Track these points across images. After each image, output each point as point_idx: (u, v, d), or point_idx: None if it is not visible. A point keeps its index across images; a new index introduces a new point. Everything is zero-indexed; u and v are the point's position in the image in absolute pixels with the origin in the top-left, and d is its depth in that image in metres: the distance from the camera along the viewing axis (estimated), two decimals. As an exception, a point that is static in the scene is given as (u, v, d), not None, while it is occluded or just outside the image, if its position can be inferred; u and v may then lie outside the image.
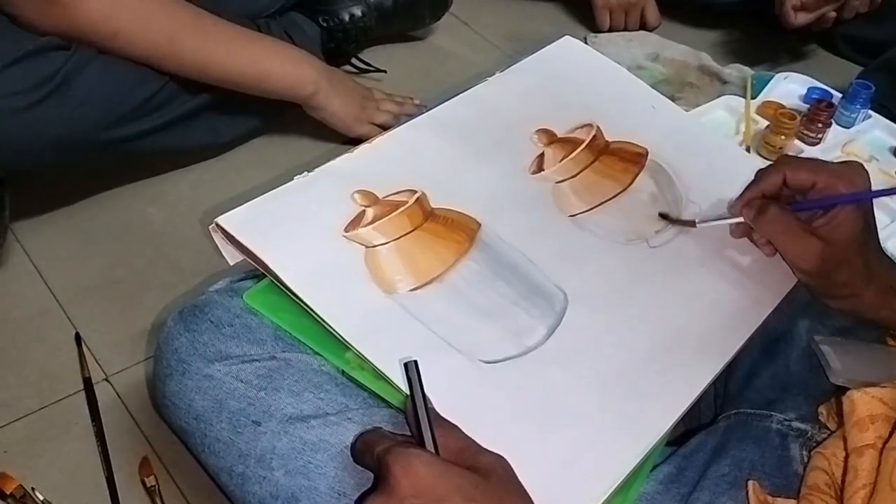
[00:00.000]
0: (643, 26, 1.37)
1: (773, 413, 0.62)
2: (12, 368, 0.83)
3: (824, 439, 0.59)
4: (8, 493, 0.71)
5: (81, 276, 0.92)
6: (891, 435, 0.53)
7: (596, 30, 1.36)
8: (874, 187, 0.60)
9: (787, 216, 0.59)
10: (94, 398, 0.80)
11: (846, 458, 0.55)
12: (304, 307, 0.60)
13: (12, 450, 0.77)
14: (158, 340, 0.65)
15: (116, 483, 0.74)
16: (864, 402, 0.55)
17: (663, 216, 0.71)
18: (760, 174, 0.62)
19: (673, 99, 1.12)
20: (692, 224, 0.68)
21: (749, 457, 0.59)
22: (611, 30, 1.35)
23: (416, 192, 0.67)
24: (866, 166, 0.60)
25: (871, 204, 0.60)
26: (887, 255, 0.62)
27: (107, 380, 0.83)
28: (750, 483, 0.56)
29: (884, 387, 0.56)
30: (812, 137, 1.04)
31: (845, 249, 0.58)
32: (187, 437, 0.63)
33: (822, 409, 0.60)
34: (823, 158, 0.79)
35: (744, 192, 0.62)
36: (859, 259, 0.58)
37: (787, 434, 0.60)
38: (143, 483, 0.74)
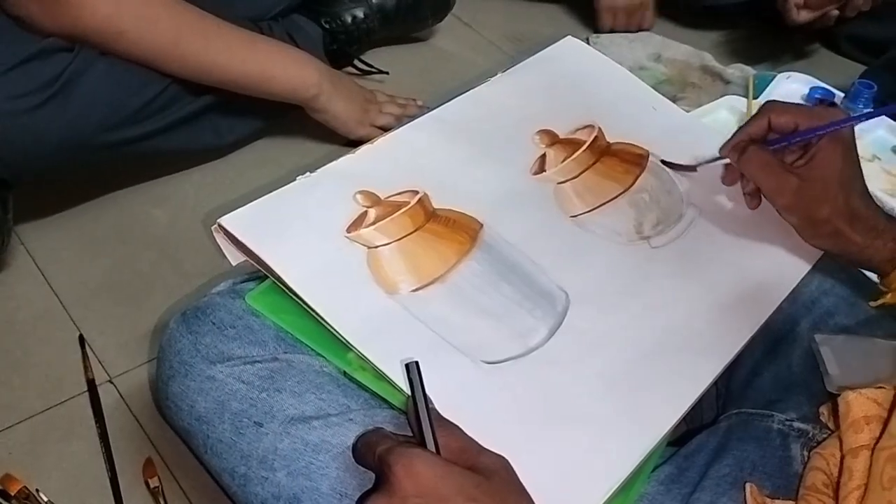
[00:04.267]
0: (638, 28, 1.37)
1: (774, 413, 0.62)
2: (16, 370, 0.84)
3: (825, 439, 0.59)
4: (12, 494, 0.71)
5: (85, 278, 0.93)
6: (881, 435, 0.53)
7: (598, 30, 1.36)
8: (878, 187, 0.60)
9: (764, 154, 0.64)
10: (98, 400, 0.81)
11: (842, 458, 0.55)
12: (306, 308, 0.60)
13: (16, 451, 0.77)
14: (161, 342, 0.66)
15: (120, 484, 0.74)
16: (858, 404, 0.55)
17: (666, 163, 0.75)
18: (748, 120, 0.66)
19: (675, 99, 1.12)
20: (693, 169, 0.73)
21: (750, 457, 0.59)
22: (612, 31, 1.35)
23: (418, 192, 0.67)
24: (869, 165, 0.61)
25: (854, 147, 0.63)
26: (874, 199, 0.64)
27: (110, 381, 0.84)
28: (748, 486, 0.56)
29: (879, 387, 0.56)
30: (815, 137, 1.04)
31: (825, 187, 0.61)
32: (190, 439, 0.63)
33: (822, 410, 0.60)
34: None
35: (732, 135, 0.66)
36: (840, 197, 0.61)
37: (788, 434, 0.60)
38: (147, 484, 0.74)
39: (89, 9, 0.85)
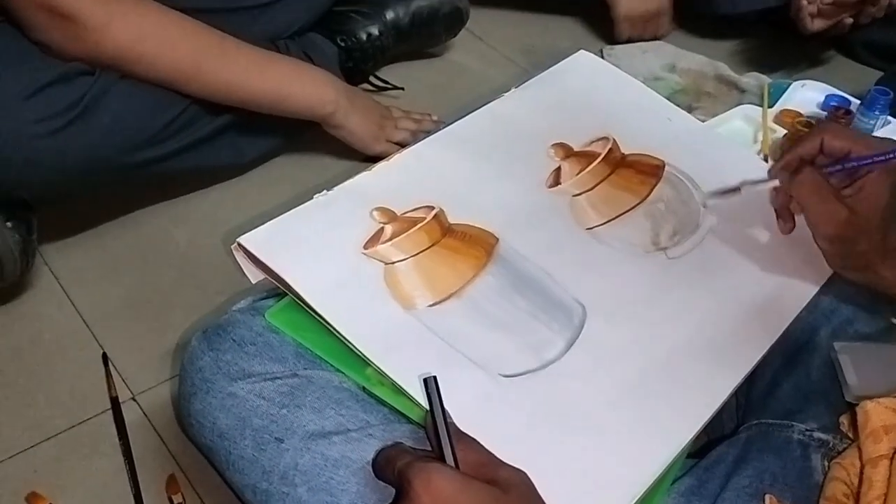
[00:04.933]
0: (655, 35, 1.37)
1: (794, 423, 0.61)
2: (41, 389, 0.85)
3: (845, 449, 0.58)
4: (39, 511, 0.72)
5: (108, 297, 0.94)
6: None
7: (612, 41, 1.36)
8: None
9: (818, 178, 0.60)
10: (122, 417, 0.81)
11: (862, 468, 0.54)
12: (325, 325, 0.60)
13: (42, 469, 0.78)
14: (183, 360, 0.66)
15: (144, 501, 0.75)
16: (877, 413, 0.55)
17: (711, 193, 0.72)
18: (800, 139, 0.63)
19: (690, 109, 1.12)
20: (737, 190, 0.68)
21: (771, 468, 0.58)
22: (629, 40, 1.35)
23: (433, 208, 0.68)
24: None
25: None
26: None
27: (133, 399, 0.85)
28: (767, 497, 0.56)
29: (898, 396, 0.56)
30: (831, 145, 1.03)
31: (868, 220, 0.59)
32: (212, 455, 0.63)
33: (843, 420, 0.60)
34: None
35: (782, 155, 0.64)
36: (879, 233, 0.59)
37: (808, 445, 0.60)
38: (171, 501, 0.75)
39: (110, 34, 0.86)
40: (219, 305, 0.92)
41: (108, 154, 0.89)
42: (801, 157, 0.63)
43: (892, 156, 0.59)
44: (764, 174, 0.74)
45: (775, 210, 0.67)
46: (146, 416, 0.83)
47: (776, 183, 0.64)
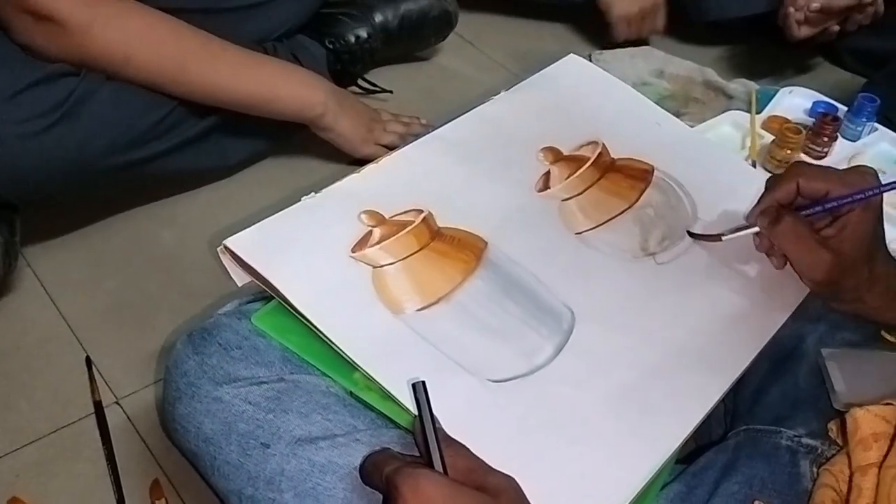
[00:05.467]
0: (652, 31, 1.37)
1: (782, 429, 0.61)
2: (23, 392, 0.84)
3: (834, 455, 0.58)
4: (20, 517, 0.71)
5: (92, 300, 0.93)
6: (888, 453, 0.53)
7: (602, 46, 1.36)
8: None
9: (800, 227, 0.59)
10: (105, 421, 0.81)
11: (851, 475, 0.54)
12: (312, 328, 0.60)
13: (24, 474, 0.77)
14: (167, 364, 0.66)
15: (127, 506, 0.74)
16: (866, 421, 0.55)
17: (691, 234, 0.71)
18: (773, 182, 0.62)
19: (678, 114, 1.12)
20: (718, 238, 0.67)
21: (759, 474, 0.59)
22: (626, 40, 1.35)
23: (422, 211, 0.68)
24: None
25: (881, 213, 0.60)
26: (894, 260, 0.62)
27: (117, 403, 0.84)
28: (756, 503, 0.56)
29: (887, 404, 0.56)
30: (818, 151, 1.04)
31: (854, 259, 0.59)
32: (197, 460, 0.63)
33: (831, 426, 0.60)
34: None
35: (759, 200, 0.62)
36: (866, 267, 0.59)
37: (797, 451, 0.60)
38: (154, 506, 0.74)
39: (94, 36, 0.86)
40: (205, 308, 0.91)
41: (93, 155, 0.88)
42: (777, 201, 0.61)
43: (871, 193, 0.58)
44: (752, 180, 0.75)
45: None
46: (130, 420, 0.82)
47: (756, 230, 0.63)
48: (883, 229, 0.61)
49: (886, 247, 0.61)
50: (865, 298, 0.60)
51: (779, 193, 0.61)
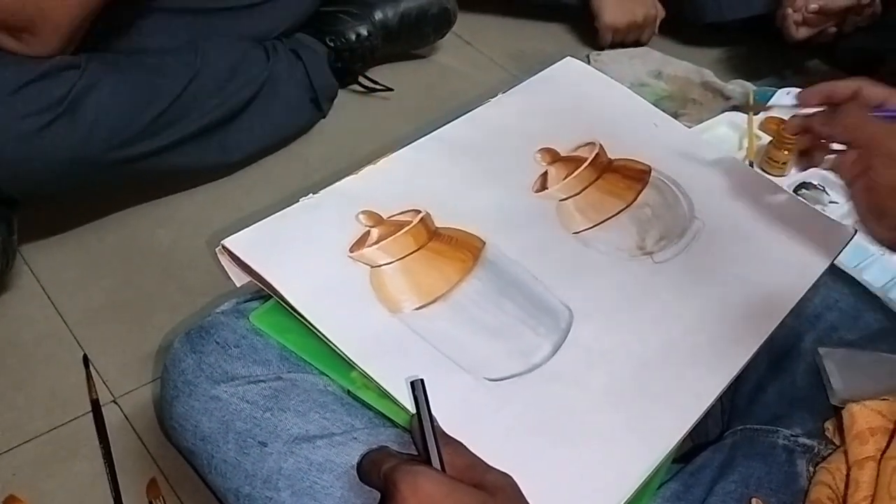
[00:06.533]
0: (637, 42, 1.38)
1: (779, 428, 0.62)
2: (21, 390, 0.84)
3: (830, 455, 0.58)
4: (17, 515, 0.71)
5: (90, 298, 0.93)
6: (888, 445, 0.53)
7: (599, 47, 1.37)
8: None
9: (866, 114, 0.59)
10: (102, 420, 0.81)
11: (848, 471, 0.54)
12: (310, 327, 0.60)
13: (21, 472, 0.77)
14: (165, 362, 0.66)
15: (124, 504, 0.75)
16: (863, 415, 0.55)
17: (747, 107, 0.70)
18: (831, 82, 0.63)
19: (676, 115, 1.13)
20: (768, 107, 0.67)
21: (756, 473, 0.59)
22: (612, 47, 1.36)
23: (420, 211, 0.68)
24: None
25: None
26: None
27: (115, 401, 0.84)
28: (753, 501, 0.56)
29: (883, 399, 0.56)
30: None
31: None
32: (194, 459, 0.63)
33: (828, 425, 0.60)
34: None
35: (814, 87, 0.63)
36: None
37: (793, 450, 0.60)
38: (151, 504, 0.74)
39: (57, 29, 0.83)
40: (202, 307, 0.91)
41: (94, 150, 0.88)
42: (829, 96, 0.62)
43: None
44: (749, 180, 0.75)
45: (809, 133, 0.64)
46: (127, 418, 0.82)
47: (811, 111, 0.63)
48: None
49: None
50: None
51: (837, 88, 0.62)
